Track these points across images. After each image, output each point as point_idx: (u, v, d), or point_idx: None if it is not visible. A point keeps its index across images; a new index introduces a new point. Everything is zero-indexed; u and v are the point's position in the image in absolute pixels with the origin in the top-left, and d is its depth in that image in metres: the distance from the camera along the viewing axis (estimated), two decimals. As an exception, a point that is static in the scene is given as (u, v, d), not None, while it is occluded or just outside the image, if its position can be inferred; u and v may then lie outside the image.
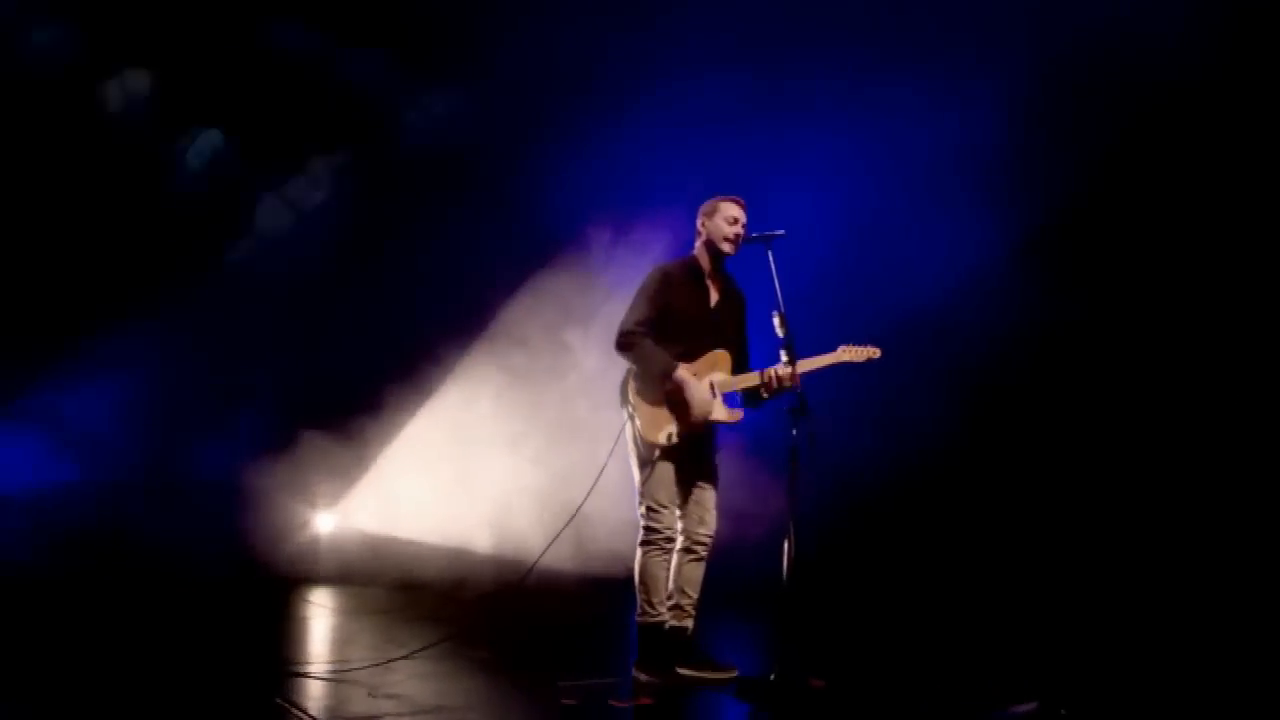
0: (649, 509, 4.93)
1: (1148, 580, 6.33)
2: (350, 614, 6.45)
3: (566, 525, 5.17)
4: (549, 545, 5.23)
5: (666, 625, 4.96)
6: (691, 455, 4.99)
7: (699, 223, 5.06)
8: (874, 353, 4.98)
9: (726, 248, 4.98)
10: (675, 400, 4.87)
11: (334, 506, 7.72)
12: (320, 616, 6.32)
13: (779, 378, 4.79)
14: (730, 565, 5.34)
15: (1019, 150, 6.96)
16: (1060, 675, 5.16)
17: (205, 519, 6.94)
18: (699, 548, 5.01)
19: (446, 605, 6.54)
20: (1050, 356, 7.01)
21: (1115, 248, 6.93)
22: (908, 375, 7.46)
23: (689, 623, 5.01)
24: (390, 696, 4.47)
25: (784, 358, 4.78)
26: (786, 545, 4.62)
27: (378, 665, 4.87)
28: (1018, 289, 6.99)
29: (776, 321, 4.78)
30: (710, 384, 4.92)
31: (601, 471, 5.03)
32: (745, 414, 5.03)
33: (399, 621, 6.06)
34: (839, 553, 7.00)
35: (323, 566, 7.42)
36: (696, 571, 5.02)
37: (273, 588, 6.79)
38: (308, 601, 6.58)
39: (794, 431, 4.65)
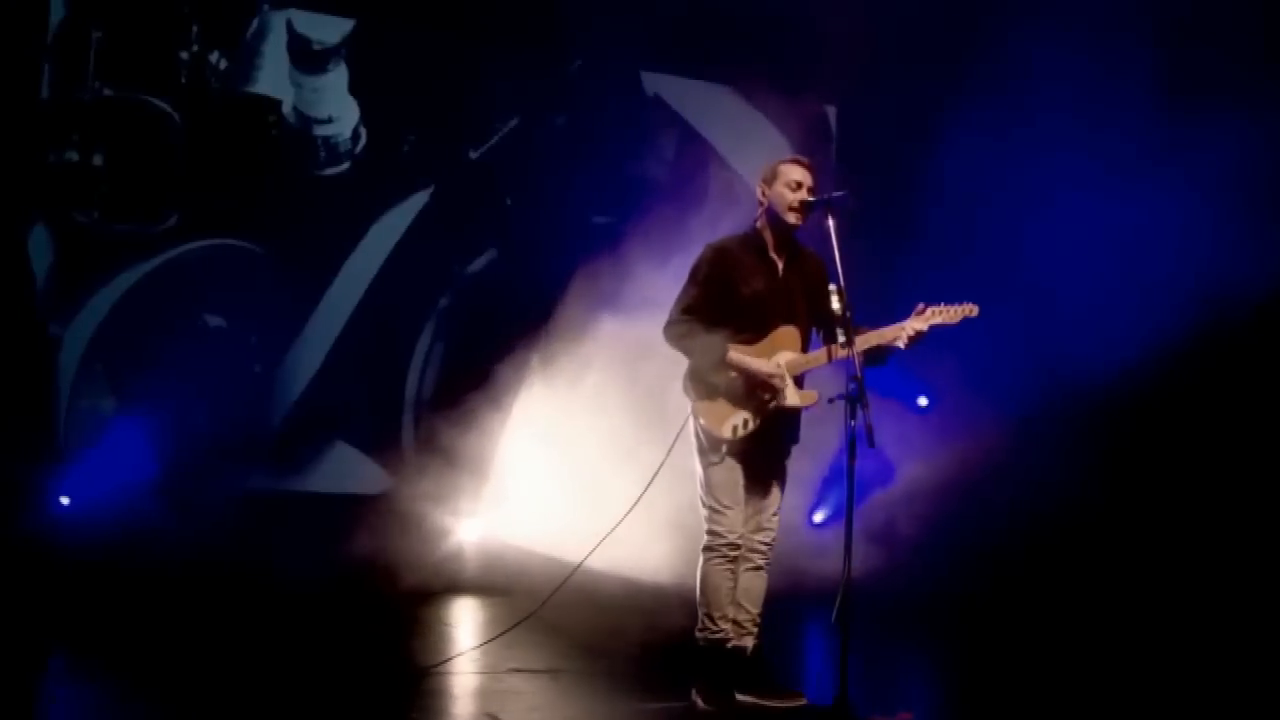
0: (711, 511, 4.42)
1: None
2: (464, 626, 6.27)
3: (617, 525, 4.75)
4: (596, 546, 4.83)
5: (729, 643, 4.42)
6: (762, 452, 4.42)
7: (759, 191, 4.49)
8: (970, 310, 4.25)
9: (792, 218, 4.37)
10: (737, 388, 4.33)
11: (481, 516, 7.51)
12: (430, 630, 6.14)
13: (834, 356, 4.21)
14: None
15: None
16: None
17: (341, 529, 6.92)
18: (755, 556, 4.44)
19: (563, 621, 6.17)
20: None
21: None
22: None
23: (749, 641, 4.44)
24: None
25: (841, 337, 4.17)
26: (845, 554, 4.00)
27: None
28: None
29: (834, 297, 4.17)
30: (777, 364, 4.35)
31: (657, 472, 4.58)
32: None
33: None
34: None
35: (465, 577, 7.23)
36: (756, 583, 4.45)
37: (405, 599, 6.64)
38: (440, 621, 6.37)
39: (851, 422, 4.01)
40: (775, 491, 4.48)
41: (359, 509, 6.94)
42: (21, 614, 5.57)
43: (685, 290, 4.45)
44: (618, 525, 4.74)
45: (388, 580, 6.60)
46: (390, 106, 7.44)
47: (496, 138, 7.77)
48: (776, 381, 4.28)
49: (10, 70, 6.51)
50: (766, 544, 4.44)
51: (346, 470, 7.22)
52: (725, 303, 4.39)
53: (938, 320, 4.24)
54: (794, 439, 4.53)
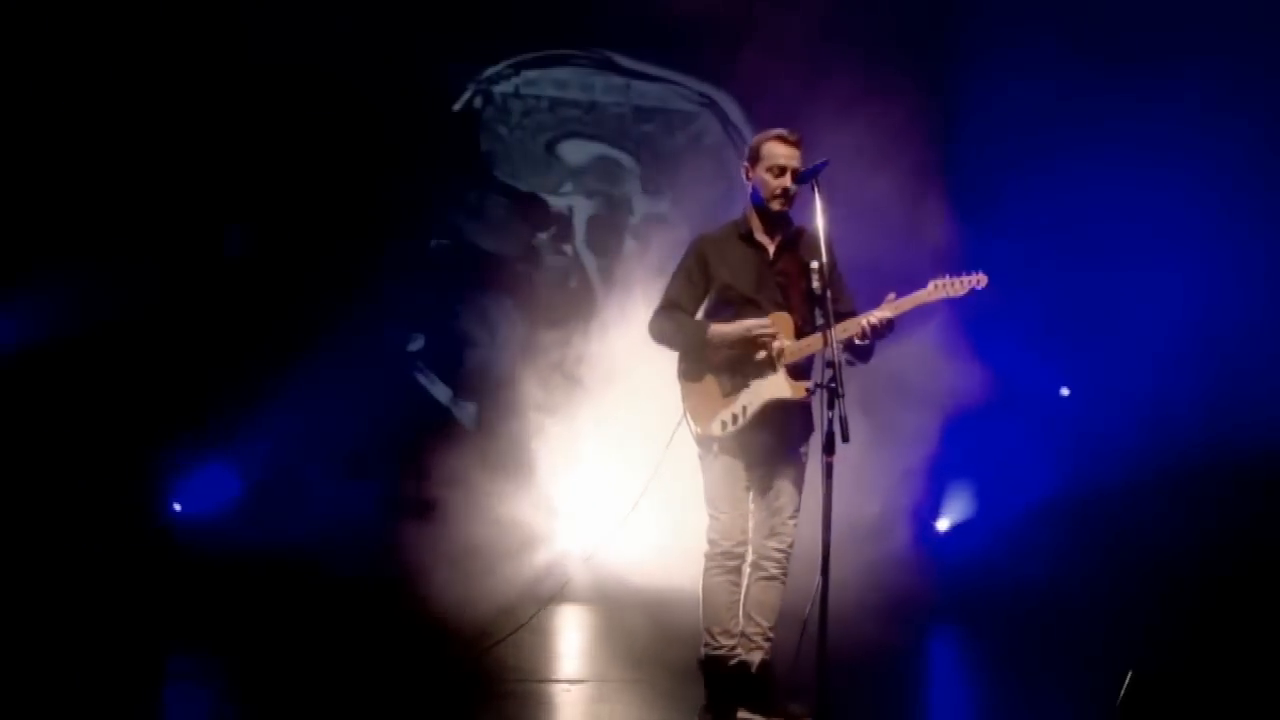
0: (709, 515, 4.13)
1: None
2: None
3: (619, 522, 4.63)
4: (598, 544, 4.65)
5: (733, 660, 4.09)
6: (764, 448, 4.08)
7: (744, 171, 4.17)
8: (978, 281, 3.88)
9: (776, 206, 4.06)
10: (728, 368, 4.02)
11: (575, 524, 7.33)
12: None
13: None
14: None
15: None
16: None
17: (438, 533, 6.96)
18: (768, 564, 4.10)
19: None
20: None
21: None
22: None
23: (758, 656, 4.09)
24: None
25: (819, 319, 3.80)
26: (821, 558, 3.60)
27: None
28: None
29: (814, 276, 3.80)
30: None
31: (655, 470, 4.32)
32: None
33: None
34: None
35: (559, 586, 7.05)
36: (767, 594, 4.11)
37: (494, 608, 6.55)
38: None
39: (829, 413, 3.62)
40: (788, 494, 4.12)
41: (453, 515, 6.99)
42: (139, 610, 5.86)
43: (669, 283, 4.21)
44: (619, 522, 4.62)
45: (475, 589, 6.59)
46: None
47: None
48: (765, 335, 3.93)
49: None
50: (781, 551, 4.10)
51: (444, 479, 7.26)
52: (709, 293, 4.12)
53: (942, 294, 3.88)
54: (803, 436, 4.17)
